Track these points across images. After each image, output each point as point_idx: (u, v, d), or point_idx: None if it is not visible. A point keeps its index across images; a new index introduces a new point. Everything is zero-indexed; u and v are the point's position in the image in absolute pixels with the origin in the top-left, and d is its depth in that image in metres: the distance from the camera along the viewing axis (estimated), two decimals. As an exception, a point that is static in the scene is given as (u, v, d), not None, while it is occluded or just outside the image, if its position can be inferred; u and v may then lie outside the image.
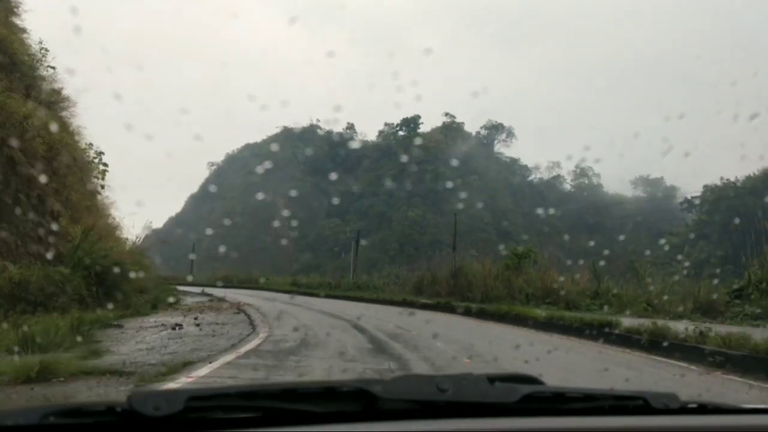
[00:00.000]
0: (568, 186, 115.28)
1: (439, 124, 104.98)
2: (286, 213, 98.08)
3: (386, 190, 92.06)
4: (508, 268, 21.92)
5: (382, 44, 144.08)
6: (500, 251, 32.58)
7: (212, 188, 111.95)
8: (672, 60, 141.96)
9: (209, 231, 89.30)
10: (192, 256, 68.80)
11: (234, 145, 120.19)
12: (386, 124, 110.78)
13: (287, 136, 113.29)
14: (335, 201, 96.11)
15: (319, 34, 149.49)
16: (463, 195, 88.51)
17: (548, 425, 1.57)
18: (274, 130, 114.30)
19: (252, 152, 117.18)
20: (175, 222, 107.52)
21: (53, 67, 18.70)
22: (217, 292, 24.44)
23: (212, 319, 14.22)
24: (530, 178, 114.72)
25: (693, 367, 8.45)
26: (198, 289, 25.29)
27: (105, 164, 20.53)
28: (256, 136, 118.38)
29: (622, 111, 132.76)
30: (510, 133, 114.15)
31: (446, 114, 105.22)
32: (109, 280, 12.47)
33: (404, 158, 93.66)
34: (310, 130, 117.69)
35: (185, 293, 22.91)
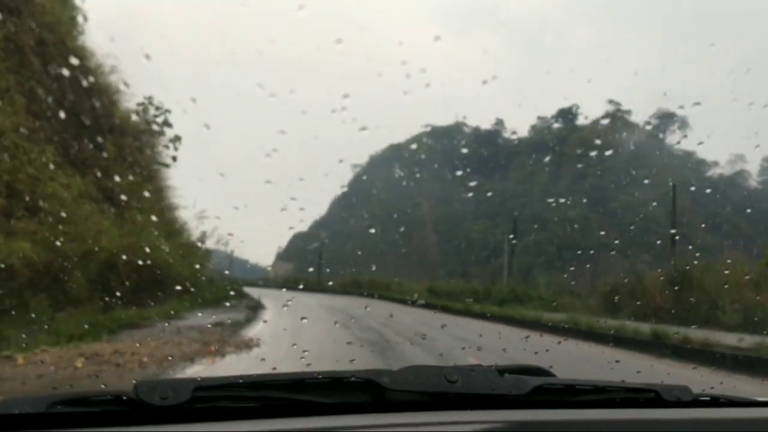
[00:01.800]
0: (754, 182, 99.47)
1: (601, 113, 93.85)
2: (430, 215, 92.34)
3: (541, 189, 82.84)
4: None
5: (536, 43, 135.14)
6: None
7: (355, 191, 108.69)
8: None
9: (351, 234, 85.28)
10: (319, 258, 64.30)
11: (377, 146, 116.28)
12: (539, 118, 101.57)
13: (432, 134, 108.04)
14: (483, 201, 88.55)
15: (465, 35, 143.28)
16: (632, 192, 77.78)
17: (559, 417, 1.53)
18: (419, 130, 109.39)
19: (395, 153, 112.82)
20: (319, 225, 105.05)
21: None
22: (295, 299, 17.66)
23: None
24: (708, 173, 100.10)
25: None
26: (271, 293, 18.66)
27: (169, 124, 15.46)
28: (400, 137, 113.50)
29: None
30: (684, 123, 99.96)
31: (610, 101, 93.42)
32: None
33: (561, 153, 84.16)
34: (456, 128, 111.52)
35: (224, 307, 15.91)
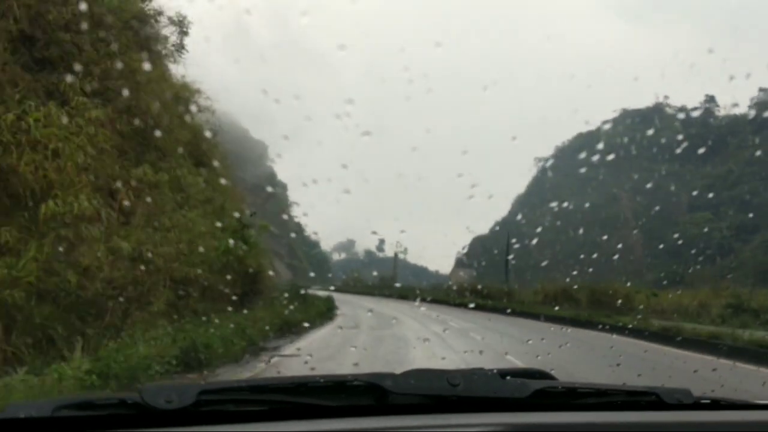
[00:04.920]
0: None
1: None
2: (633, 210, 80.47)
3: (777, 171, 67.71)
4: None
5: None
6: None
7: (540, 187, 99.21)
8: None
9: (538, 235, 76.05)
10: (511, 259, 56.10)
11: (564, 136, 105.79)
12: (761, 90, 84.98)
13: (627, 119, 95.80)
14: (701, 191, 74.87)
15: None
16: None
17: (560, 420, 1.53)
18: (611, 115, 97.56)
19: (585, 142, 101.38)
20: (501, 226, 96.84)
21: None
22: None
23: None
24: None
25: None
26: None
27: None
28: (589, 124, 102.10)
29: None
30: None
31: None
32: None
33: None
34: (656, 110, 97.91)
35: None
